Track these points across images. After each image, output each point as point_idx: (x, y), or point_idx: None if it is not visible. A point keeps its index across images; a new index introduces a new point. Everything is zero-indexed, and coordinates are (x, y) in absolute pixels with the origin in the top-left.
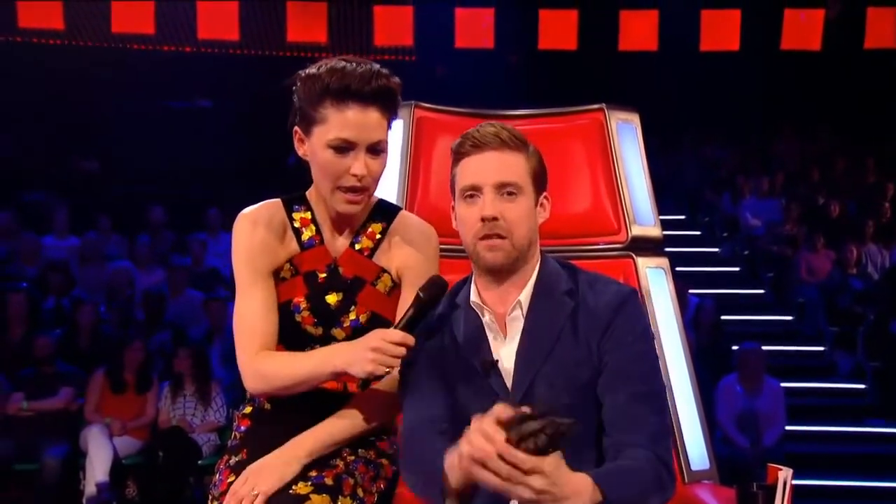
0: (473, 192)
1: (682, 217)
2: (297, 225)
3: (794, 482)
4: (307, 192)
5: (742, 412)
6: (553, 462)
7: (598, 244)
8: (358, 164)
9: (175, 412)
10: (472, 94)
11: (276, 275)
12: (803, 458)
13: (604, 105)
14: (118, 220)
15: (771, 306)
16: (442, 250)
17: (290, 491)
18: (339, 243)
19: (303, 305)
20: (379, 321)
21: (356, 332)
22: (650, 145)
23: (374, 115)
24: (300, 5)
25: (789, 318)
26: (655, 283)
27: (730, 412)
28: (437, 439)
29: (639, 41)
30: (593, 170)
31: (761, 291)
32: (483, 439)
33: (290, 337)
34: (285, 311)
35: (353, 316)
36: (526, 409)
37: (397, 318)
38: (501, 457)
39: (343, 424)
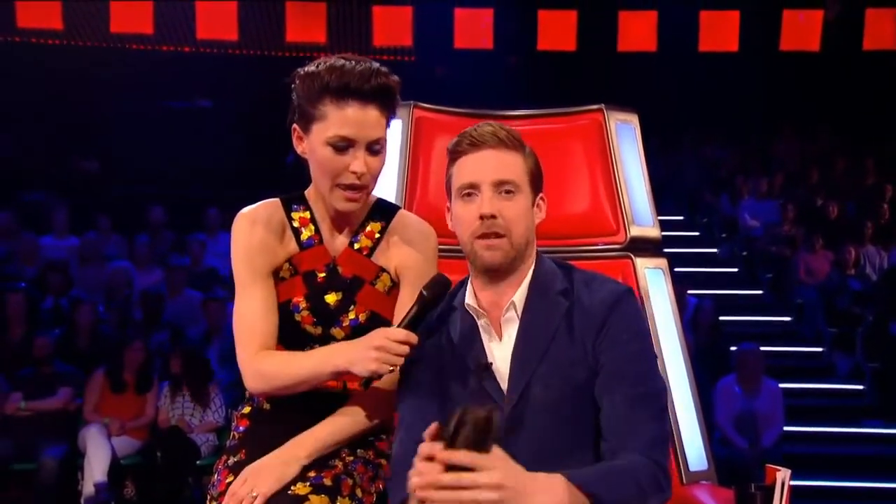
0: (471, 190)
1: (681, 218)
2: (295, 224)
3: (793, 483)
4: (306, 192)
5: (740, 413)
6: (497, 455)
7: (596, 245)
8: (357, 161)
9: (174, 412)
10: (471, 95)
11: (276, 274)
12: (801, 459)
13: (603, 105)
14: (118, 220)
15: (769, 307)
16: (441, 250)
17: (289, 491)
18: (338, 243)
19: (302, 305)
20: (378, 320)
21: (355, 331)
22: (649, 146)
23: (373, 113)
24: (299, 5)
25: (788, 318)
26: (654, 283)
27: (728, 413)
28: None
29: (638, 42)
30: (592, 170)
31: (760, 292)
32: (425, 462)
33: (290, 337)
34: (285, 311)
35: (352, 315)
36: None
37: (396, 317)
38: (444, 466)
39: (343, 424)
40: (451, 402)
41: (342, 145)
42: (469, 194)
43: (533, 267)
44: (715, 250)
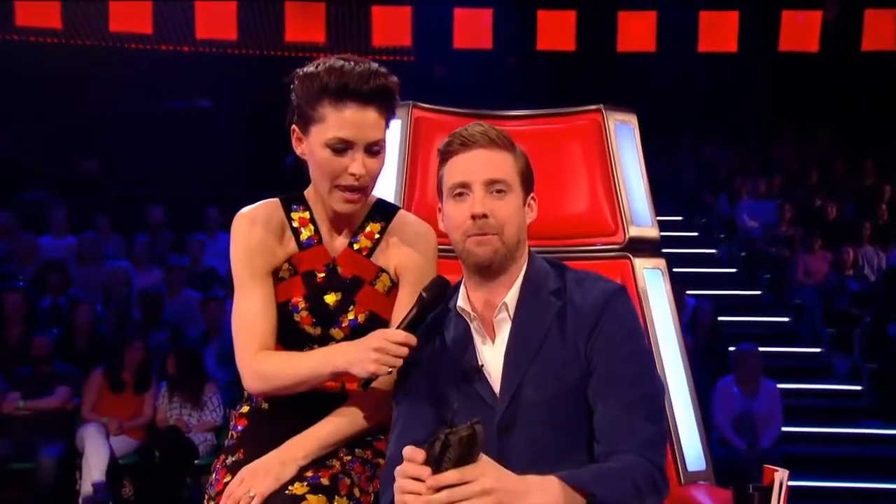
0: (462, 189)
1: (680, 218)
2: (295, 224)
3: (791, 483)
4: (305, 192)
5: (739, 413)
6: (485, 461)
7: (595, 245)
8: (356, 163)
9: (172, 412)
10: (470, 95)
11: (275, 274)
12: (800, 460)
13: (602, 106)
14: (117, 220)
15: (768, 308)
16: (440, 250)
17: (287, 491)
18: (337, 243)
19: (301, 305)
20: (377, 321)
21: (355, 332)
22: (649, 146)
23: (372, 115)
24: (298, 5)
25: (786, 319)
26: (652, 283)
27: (727, 413)
28: None
29: (637, 42)
30: (591, 170)
31: (758, 293)
32: (412, 482)
33: (289, 337)
34: (284, 311)
35: (351, 316)
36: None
37: (394, 317)
38: (433, 487)
39: (341, 424)
40: (444, 404)
41: (341, 147)
42: (460, 194)
43: (525, 267)
44: (714, 251)
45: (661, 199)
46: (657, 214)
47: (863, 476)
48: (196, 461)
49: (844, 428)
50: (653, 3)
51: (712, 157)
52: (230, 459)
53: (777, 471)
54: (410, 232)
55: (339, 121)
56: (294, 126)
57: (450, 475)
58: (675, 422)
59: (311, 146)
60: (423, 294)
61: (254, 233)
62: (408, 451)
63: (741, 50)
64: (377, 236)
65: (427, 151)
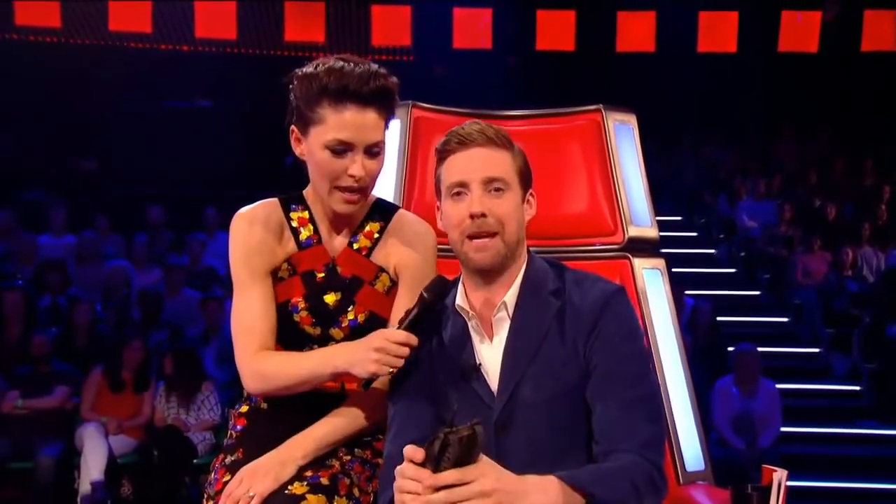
0: (460, 188)
1: (679, 218)
2: (294, 224)
3: (789, 483)
4: (304, 192)
5: (738, 414)
6: (485, 462)
7: (594, 245)
8: (355, 165)
9: (169, 411)
10: (469, 95)
11: (274, 274)
12: (798, 460)
13: (601, 106)
14: (117, 220)
15: (767, 308)
16: (440, 250)
17: (286, 491)
18: (337, 242)
19: (301, 305)
20: (377, 321)
21: (354, 331)
22: (648, 146)
23: (371, 116)
24: (298, 5)
25: (785, 319)
26: (652, 284)
27: (726, 414)
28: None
29: (637, 42)
30: (590, 171)
31: (757, 293)
32: (411, 481)
33: (289, 337)
34: (283, 311)
35: (351, 316)
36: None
37: (393, 316)
38: (432, 487)
39: (340, 424)
40: (442, 403)
41: (340, 149)
42: (458, 193)
43: (524, 266)
44: (713, 251)
45: (661, 199)
46: (657, 214)
47: (862, 476)
48: (195, 460)
49: (843, 428)
50: (652, 3)
51: (712, 157)
52: (229, 459)
53: (776, 471)
54: (410, 231)
55: (338, 122)
56: (293, 127)
57: (449, 475)
58: (674, 422)
59: (311, 147)
60: (424, 294)
61: (253, 233)
62: (407, 450)
63: (741, 50)
64: (376, 236)
65: (426, 151)
